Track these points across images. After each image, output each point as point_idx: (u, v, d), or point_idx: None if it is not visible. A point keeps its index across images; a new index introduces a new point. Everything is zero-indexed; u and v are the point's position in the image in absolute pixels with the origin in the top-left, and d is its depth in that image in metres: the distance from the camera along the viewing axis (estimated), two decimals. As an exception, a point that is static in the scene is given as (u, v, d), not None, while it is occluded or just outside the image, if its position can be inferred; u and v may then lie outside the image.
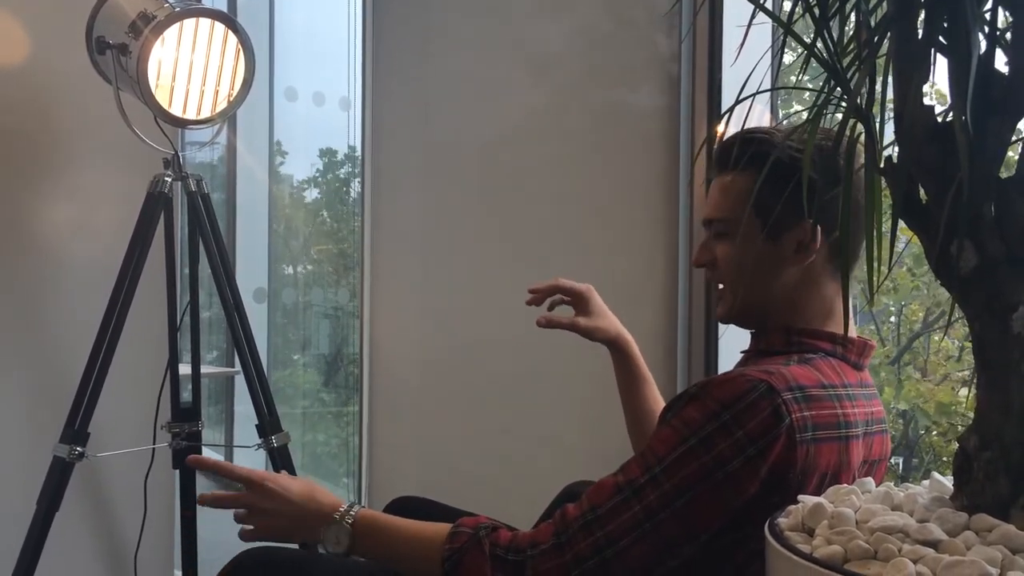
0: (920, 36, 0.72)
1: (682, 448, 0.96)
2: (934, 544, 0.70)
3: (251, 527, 1.13)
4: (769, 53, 0.98)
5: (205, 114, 1.83)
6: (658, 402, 1.42)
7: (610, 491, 0.99)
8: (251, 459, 4.02)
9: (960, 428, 1.91)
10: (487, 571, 0.98)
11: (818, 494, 0.98)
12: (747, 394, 0.96)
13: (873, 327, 2.17)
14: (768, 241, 1.08)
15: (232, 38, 1.82)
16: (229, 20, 1.82)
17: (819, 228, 1.07)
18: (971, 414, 0.77)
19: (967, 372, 1.95)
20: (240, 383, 3.31)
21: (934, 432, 1.95)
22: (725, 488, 0.95)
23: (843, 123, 0.75)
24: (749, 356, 1.15)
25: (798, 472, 0.97)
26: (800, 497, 0.85)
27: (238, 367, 1.95)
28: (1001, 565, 0.67)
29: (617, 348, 1.41)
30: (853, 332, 1.13)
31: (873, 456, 1.10)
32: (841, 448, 1.02)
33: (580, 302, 1.41)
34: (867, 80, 0.74)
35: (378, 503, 2.67)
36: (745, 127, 1.08)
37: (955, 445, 0.78)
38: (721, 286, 1.16)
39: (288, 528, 1.12)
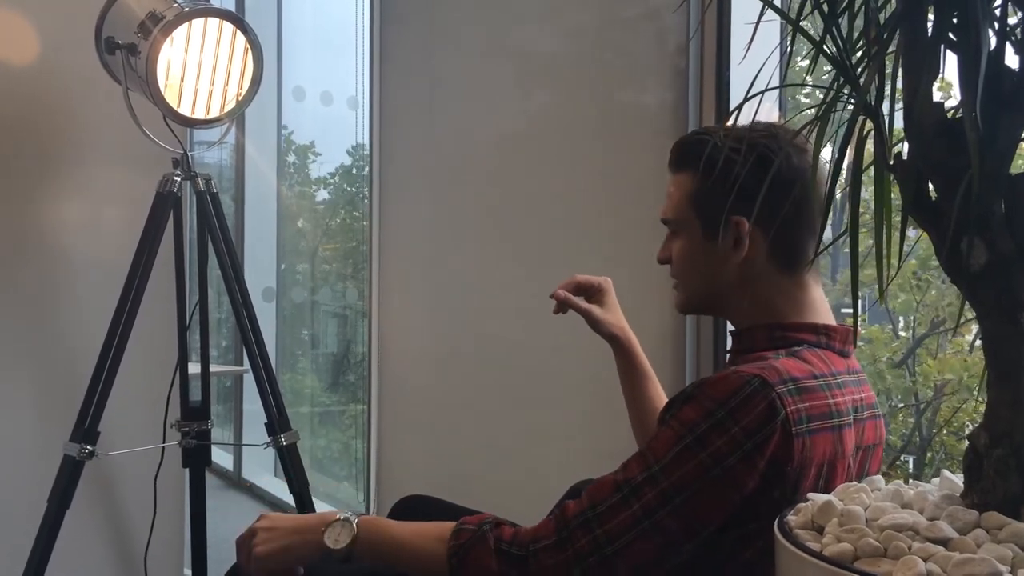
0: (929, 33, 0.72)
1: (679, 447, 0.97)
2: (944, 542, 0.70)
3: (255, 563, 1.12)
4: (778, 51, 0.98)
5: (214, 114, 1.84)
6: (661, 398, 1.42)
7: (610, 489, 1.00)
8: (260, 457, 4.03)
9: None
10: (492, 564, 0.99)
11: (816, 485, 0.99)
12: (741, 389, 0.97)
13: (889, 327, 2.17)
14: (707, 238, 1.12)
15: (240, 38, 1.82)
16: (237, 20, 1.83)
17: (747, 223, 1.08)
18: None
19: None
20: (249, 381, 3.32)
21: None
22: (723, 484, 0.96)
23: (852, 120, 0.75)
24: (734, 357, 1.16)
25: (796, 465, 0.98)
26: (809, 495, 0.85)
27: (247, 366, 1.96)
28: (1012, 563, 0.67)
29: (620, 344, 1.42)
30: (832, 320, 1.14)
31: (867, 442, 1.11)
32: (835, 438, 1.02)
33: (597, 294, 1.42)
34: (876, 77, 0.74)
35: (386, 502, 2.68)
36: (735, 125, 1.09)
37: (965, 443, 0.78)
38: (675, 281, 1.21)
39: (288, 537, 1.11)
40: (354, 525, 1.07)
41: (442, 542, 1.03)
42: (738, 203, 1.03)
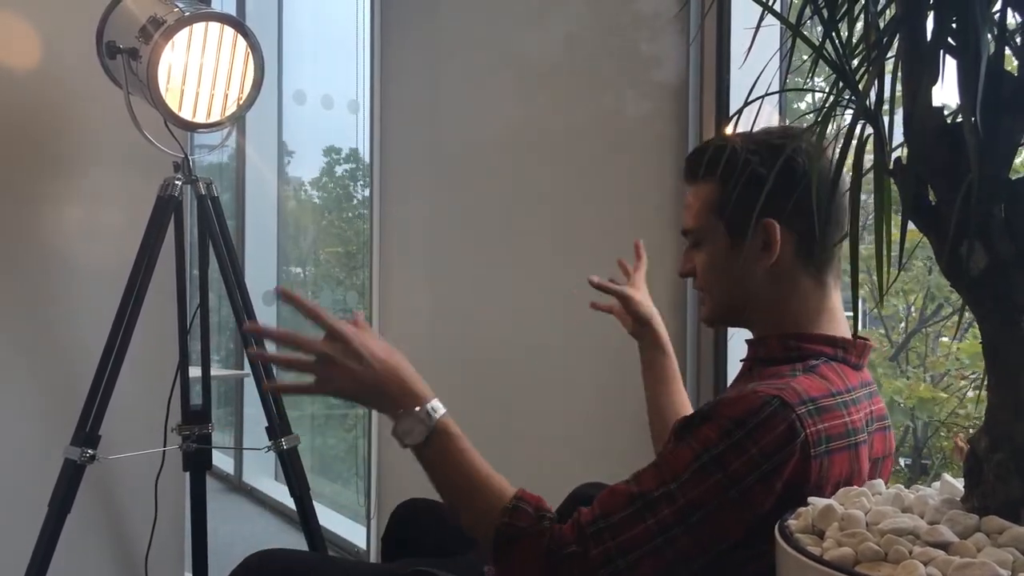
0: (929, 37, 0.72)
1: (696, 465, 0.96)
2: (945, 546, 0.70)
3: (310, 382, 1.07)
4: (777, 55, 0.98)
5: (215, 118, 1.84)
6: (685, 404, 1.40)
7: (623, 500, 0.98)
8: (261, 461, 4.03)
9: (943, 423, 1.92)
10: (538, 565, 0.97)
11: None
12: (760, 410, 0.96)
13: (882, 331, 2.17)
14: (733, 244, 1.11)
15: (241, 42, 1.83)
16: (238, 24, 1.83)
17: (778, 225, 1.07)
18: (960, 411, 0.77)
19: (965, 369, 1.95)
20: (250, 385, 3.31)
21: (931, 423, 1.94)
22: (740, 505, 0.95)
23: (852, 124, 0.75)
24: (751, 365, 1.15)
25: (812, 486, 0.97)
26: (810, 499, 0.85)
27: (247, 370, 1.96)
28: (1012, 567, 0.67)
29: (651, 332, 1.40)
30: (847, 329, 1.13)
31: (876, 454, 1.10)
32: (852, 456, 1.02)
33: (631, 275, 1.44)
34: (876, 81, 0.74)
35: (387, 504, 2.67)
36: (750, 130, 1.08)
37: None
38: (701, 292, 1.19)
39: (358, 395, 1.08)
40: (429, 430, 1.06)
41: (496, 508, 1.01)
42: (765, 205, 1.03)
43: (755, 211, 1.04)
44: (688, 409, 1.39)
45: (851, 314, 1.21)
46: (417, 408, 1.07)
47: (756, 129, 1.01)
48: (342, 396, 1.09)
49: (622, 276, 1.46)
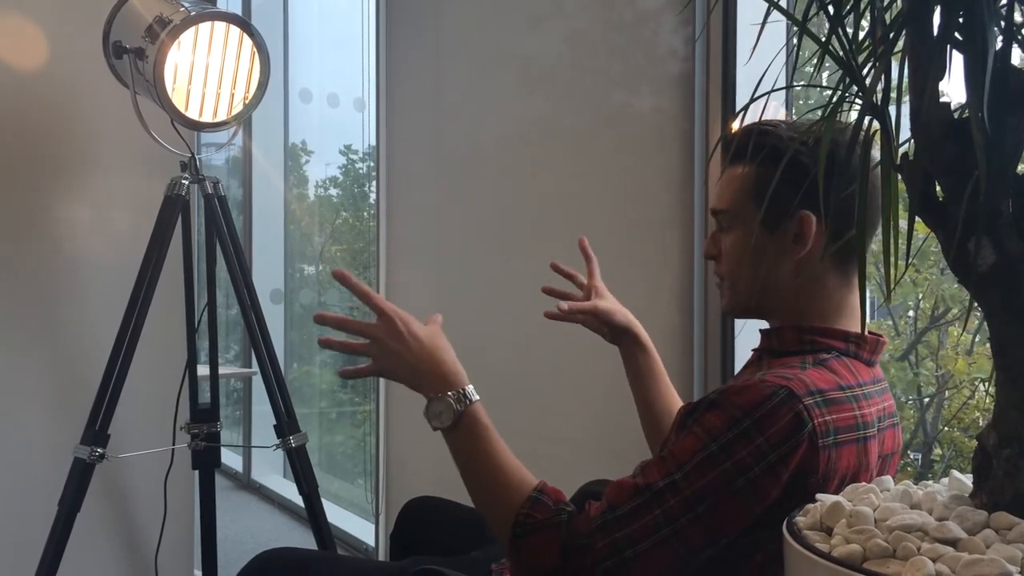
0: (936, 33, 0.72)
1: (703, 455, 0.96)
2: (953, 543, 0.70)
3: (365, 364, 1.11)
4: (784, 51, 0.98)
5: (221, 117, 1.85)
6: (675, 399, 1.41)
7: (629, 492, 0.98)
8: (270, 459, 4.04)
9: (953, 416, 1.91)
10: (554, 554, 0.97)
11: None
12: (768, 400, 0.95)
13: (890, 322, 2.16)
14: (766, 231, 1.08)
15: (247, 41, 1.83)
16: (244, 23, 1.83)
17: (814, 218, 1.06)
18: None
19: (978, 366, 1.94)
20: (258, 383, 3.32)
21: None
22: (747, 494, 0.95)
23: (859, 120, 0.75)
24: (761, 354, 1.14)
25: (820, 477, 0.97)
26: (818, 496, 0.85)
27: (255, 368, 1.97)
28: (1021, 563, 0.66)
29: (633, 336, 1.38)
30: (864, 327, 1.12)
31: (886, 451, 1.10)
32: (860, 450, 1.01)
33: (586, 285, 1.41)
34: (882, 77, 0.74)
35: (395, 502, 2.68)
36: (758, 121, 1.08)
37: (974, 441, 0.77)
38: (721, 279, 1.16)
39: (399, 373, 1.10)
40: (457, 416, 1.07)
41: (516, 501, 1.01)
42: (804, 197, 1.01)
43: (793, 201, 1.03)
44: (677, 402, 1.39)
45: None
46: (449, 392, 1.08)
47: (804, 119, 0.99)
48: (391, 375, 1.12)
49: (568, 283, 1.44)
